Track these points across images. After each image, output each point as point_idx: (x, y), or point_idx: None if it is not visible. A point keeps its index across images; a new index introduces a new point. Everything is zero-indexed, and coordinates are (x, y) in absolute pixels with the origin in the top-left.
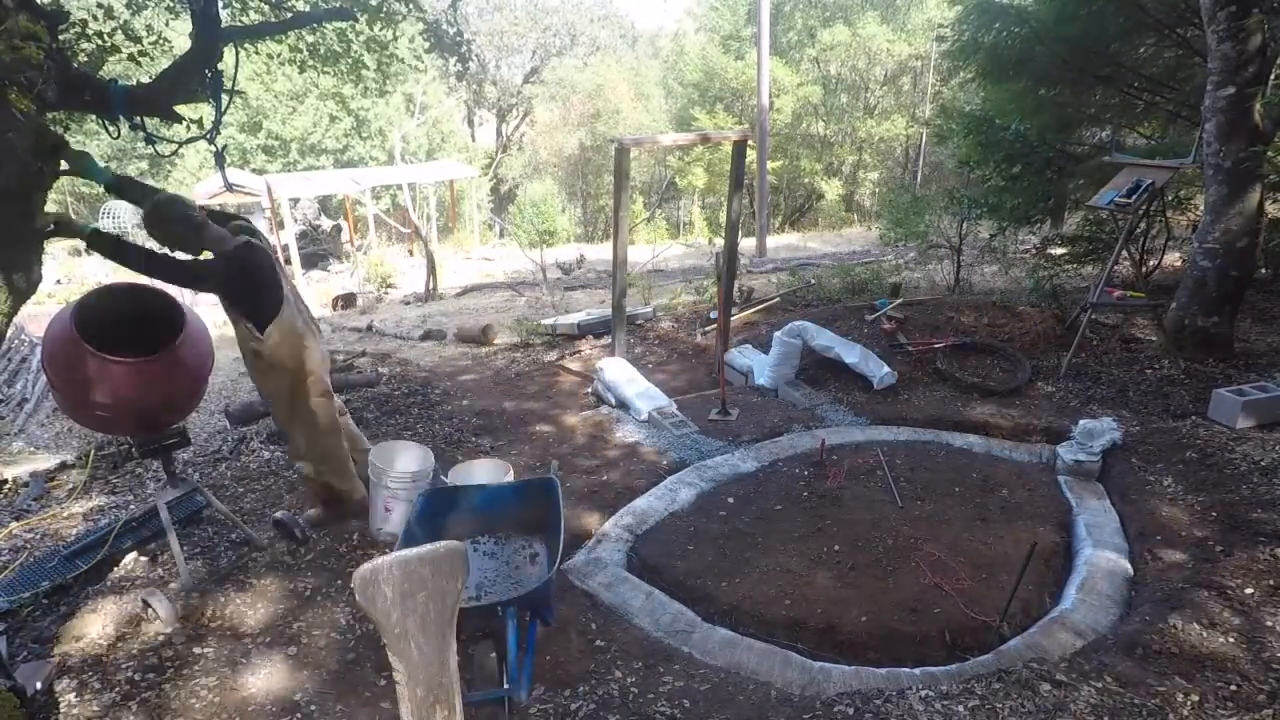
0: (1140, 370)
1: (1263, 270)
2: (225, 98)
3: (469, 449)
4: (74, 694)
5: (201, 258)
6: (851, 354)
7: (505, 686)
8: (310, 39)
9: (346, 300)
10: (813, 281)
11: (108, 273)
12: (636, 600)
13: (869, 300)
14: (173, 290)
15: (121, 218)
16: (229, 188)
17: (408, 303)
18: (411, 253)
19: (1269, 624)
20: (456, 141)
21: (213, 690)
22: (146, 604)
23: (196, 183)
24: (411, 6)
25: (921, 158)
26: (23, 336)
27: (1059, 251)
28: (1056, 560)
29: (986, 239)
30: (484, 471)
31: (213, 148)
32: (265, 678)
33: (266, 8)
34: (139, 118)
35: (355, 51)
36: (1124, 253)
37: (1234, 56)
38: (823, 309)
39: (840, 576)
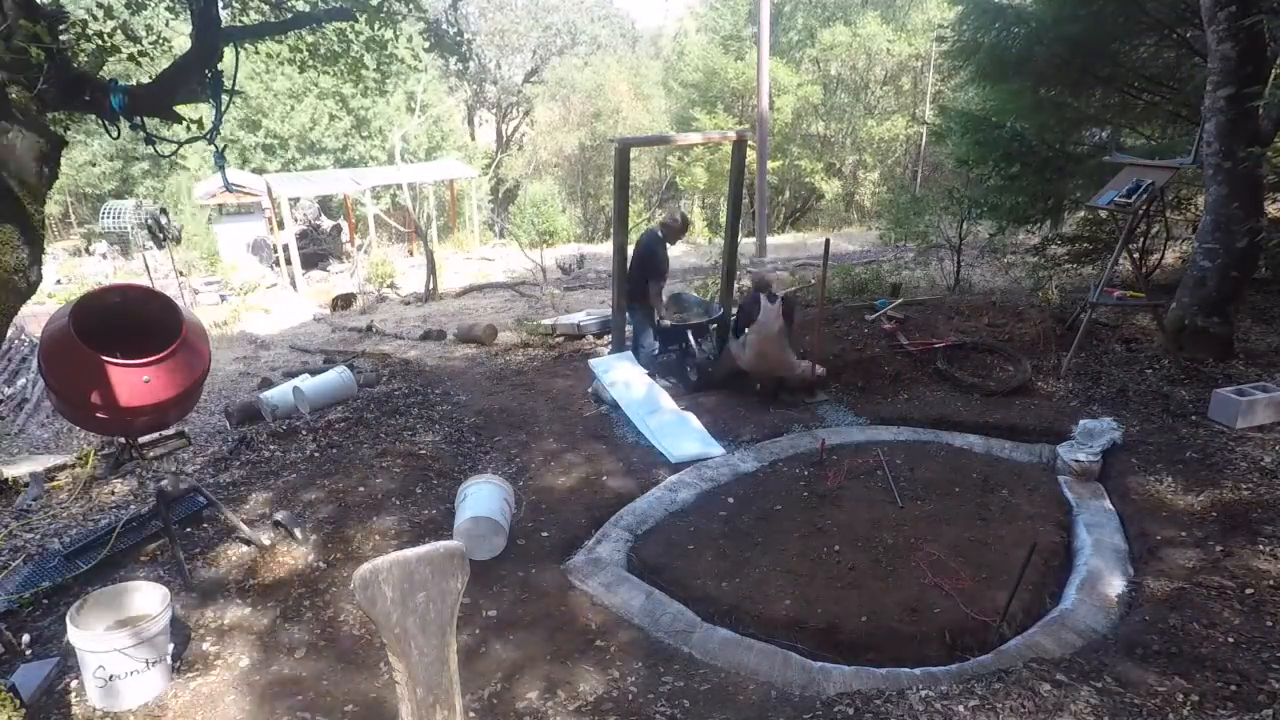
0: (1140, 370)
1: (1263, 270)
2: (225, 98)
3: (468, 448)
4: None
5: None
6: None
7: None
8: (310, 39)
9: (346, 300)
10: (812, 281)
11: (107, 273)
12: (636, 600)
13: (869, 300)
14: (171, 290)
15: (123, 217)
16: (229, 188)
17: (408, 303)
18: (411, 253)
19: (1269, 624)
20: (456, 141)
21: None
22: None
23: (196, 182)
24: (411, 6)
25: (921, 158)
26: (23, 336)
27: (1059, 251)
28: (1056, 560)
29: (987, 239)
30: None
31: (213, 148)
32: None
33: (266, 8)
34: (139, 118)
35: (355, 51)
36: (1124, 253)
37: (1234, 56)
38: (823, 309)
39: (840, 576)
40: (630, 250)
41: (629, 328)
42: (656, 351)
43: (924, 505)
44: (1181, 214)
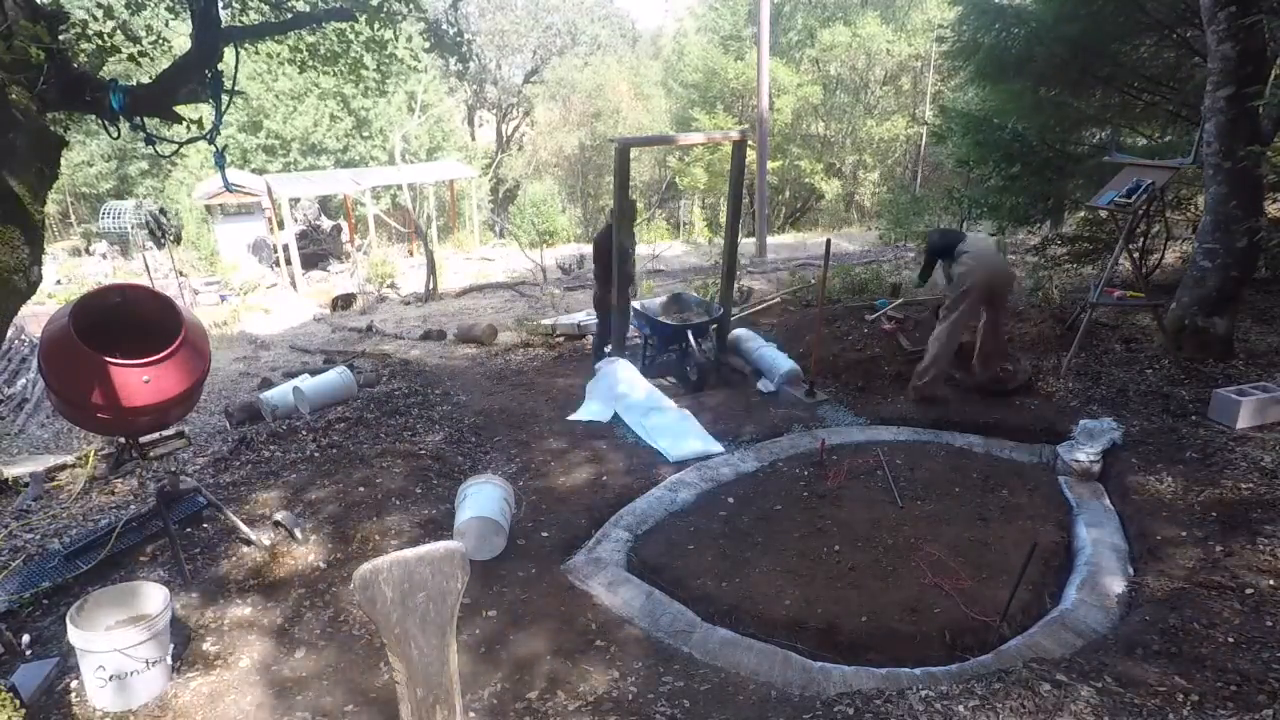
0: (1140, 370)
1: (1263, 270)
2: (225, 98)
3: (469, 448)
4: None
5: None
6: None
7: None
8: (310, 39)
9: (346, 301)
10: (812, 281)
11: (107, 273)
12: (637, 600)
13: (869, 300)
14: (171, 290)
15: (123, 217)
16: (229, 188)
17: (408, 303)
18: (411, 253)
19: (1269, 624)
20: (457, 141)
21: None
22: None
23: (197, 183)
24: (411, 6)
25: (921, 158)
26: (23, 337)
27: (1059, 251)
28: (1056, 560)
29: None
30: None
31: (213, 148)
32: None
33: (266, 8)
34: (139, 118)
35: (355, 51)
36: (1124, 253)
37: (1234, 56)
38: (822, 309)
39: (840, 576)
40: (629, 249)
41: (632, 327)
42: (633, 347)
43: (924, 505)
44: (1181, 214)
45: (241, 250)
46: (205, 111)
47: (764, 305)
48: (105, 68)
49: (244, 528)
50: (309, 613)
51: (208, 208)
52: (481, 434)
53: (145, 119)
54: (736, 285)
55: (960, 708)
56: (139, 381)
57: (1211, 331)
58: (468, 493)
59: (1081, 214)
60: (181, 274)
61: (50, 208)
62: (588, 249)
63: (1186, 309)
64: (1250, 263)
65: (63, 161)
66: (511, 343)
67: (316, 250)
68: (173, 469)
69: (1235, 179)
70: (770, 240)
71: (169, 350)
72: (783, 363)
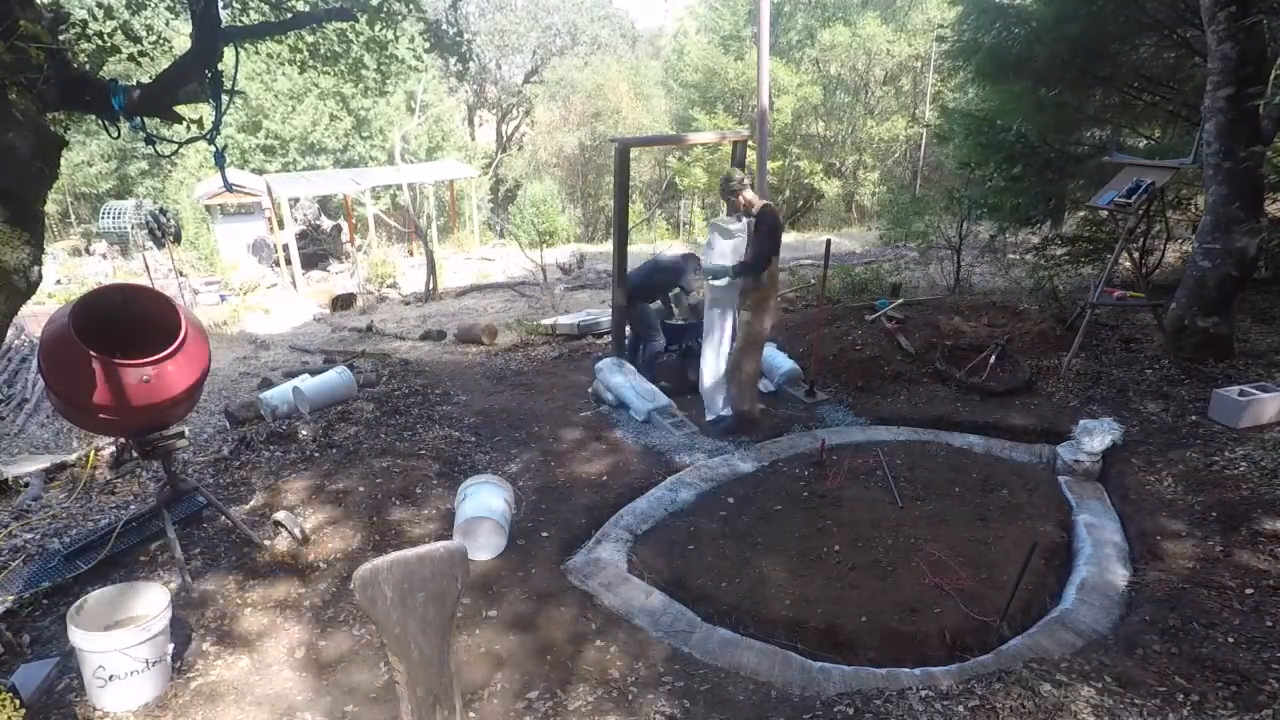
0: (1140, 370)
1: (1263, 270)
2: (225, 98)
3: (468, 448)
4: None
5: None
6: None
7: None
8: (310, 39)
9: (346, 301)
10: (812, 281)
11: (107, 273)
12: (636, 600)
13: (869, 300)
14: (171, 290)
15: (123, 217)
16: (229, 188)
17: (408, 303)
18: (411, 253)
19: (1269, 624)
20: (456, 141)
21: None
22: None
23: (197, 183)
24: (411, 6)
25: (921, 158)
26: (23, 336)
27: (1059, 251)
28: (1056, 560)
29: (987, 239)
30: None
31: (213, 148)
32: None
33: (266, 8)
34: (139, 118)
35: (355, 52)
36: (1124, 252)
37: (1234, 56)
38: (822, 309)
39: (840, 576)
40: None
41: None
42: (661, 348)
43: (924, 505)
44: (1181, 214)
45: (241, 250)
46: (205, 111)
47: None
48: (105, 68)
49: (244, 528)
50: (309, 613)
51: (208, 208)
52: (481, 434)
53: (145, 119)
54: None
55: (960, 708)
56: (139, 381)
57: (1211, 331)
58: (468, 492)
59: (1081, 214)
60: (181, 274)
61: (50, 208)
62: (588, 249)
63: (1186, 309)
64: (1250, 263)
65: (63, 161)
66: (512, 343)
67: (316, 250)
68: (173, 469)
69: (1235, 179)
70: None
71: (169, 350)
72: (783, 363)
